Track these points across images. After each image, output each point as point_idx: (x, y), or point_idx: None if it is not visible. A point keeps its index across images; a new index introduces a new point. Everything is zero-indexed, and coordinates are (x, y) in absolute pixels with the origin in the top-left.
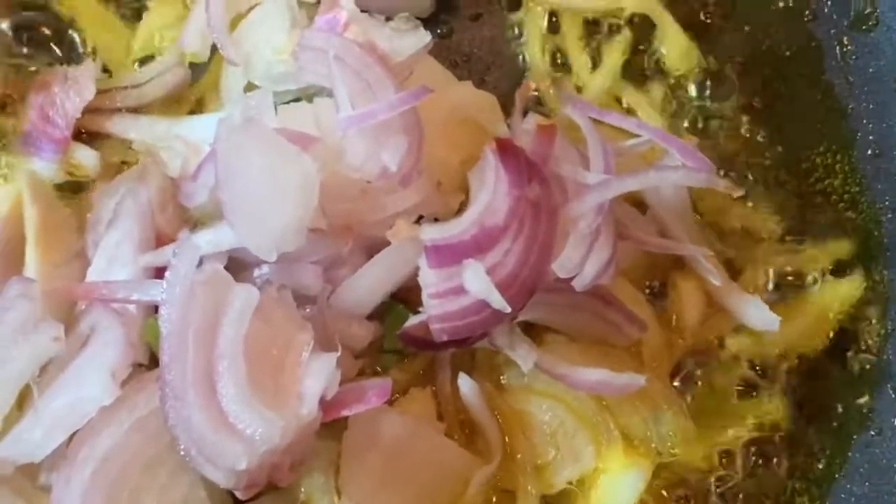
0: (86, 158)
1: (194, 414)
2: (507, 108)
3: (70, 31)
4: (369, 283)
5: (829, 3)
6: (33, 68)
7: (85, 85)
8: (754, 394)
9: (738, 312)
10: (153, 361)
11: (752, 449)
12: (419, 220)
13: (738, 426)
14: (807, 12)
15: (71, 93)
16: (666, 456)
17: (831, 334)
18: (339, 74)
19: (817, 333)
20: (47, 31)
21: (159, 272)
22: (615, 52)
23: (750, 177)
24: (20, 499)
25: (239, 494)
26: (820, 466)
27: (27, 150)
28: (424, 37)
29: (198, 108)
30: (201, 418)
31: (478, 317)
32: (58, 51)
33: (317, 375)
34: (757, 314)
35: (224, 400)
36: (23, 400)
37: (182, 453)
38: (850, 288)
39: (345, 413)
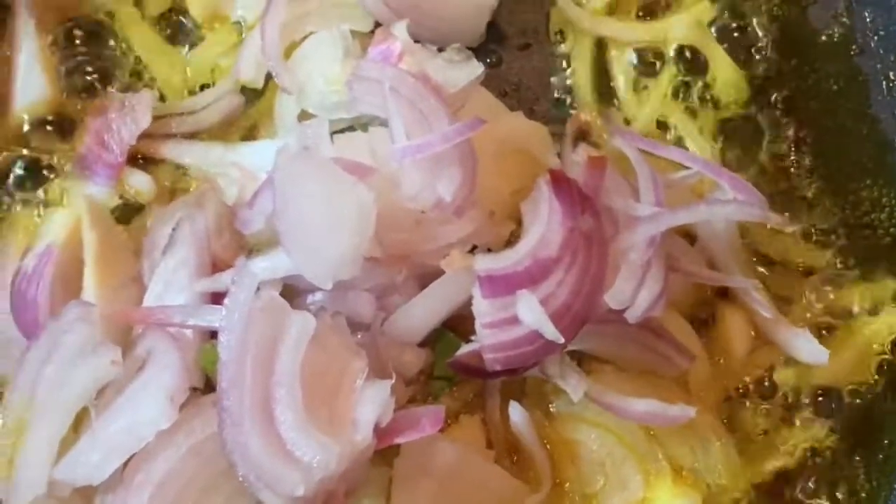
0: (140, 184)
1: (252, 440)
2: (554, 138)
3: (126, 58)
4: (422, 311)
5: (875, 37)
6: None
7: (141, 113)
8: (797, 422)
9: (787, 345)
10: (208, 386)
11: (798, 480)
12: (472, 249)
13: (781, 455)
14: (854, 47)
15: (127, 119)
16: (714, 487)
17: (877, 367)
18: (395, 105)
19: (864, 366)
20: (104, 59)
21: (215, 298)
22: (663, 83)
23: (795, 209)
24: None
25: None
26: (863, 496)
27: (82, 174)
28: (477, 68)
29: (251, 134)
30: (259, 445)
31: (531, 347)
32: (115, 78)
33: (371, 402)
34: (806, 347)
35: (282, 427)
36: (79, 423)
37: (241, 479)
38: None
39: (399, 440)
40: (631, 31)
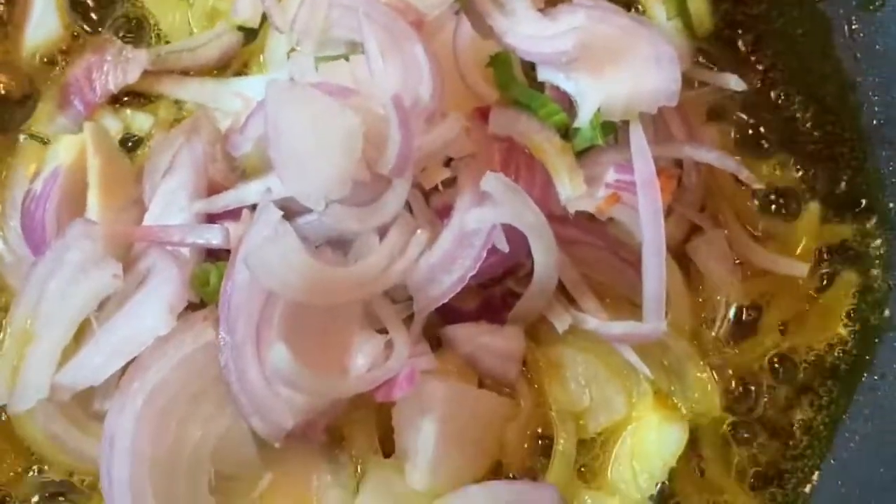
0: (111, 125)
1: (251, 368)
2: None
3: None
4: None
5: None
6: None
7: (133, 68)
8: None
9: (762, 262)
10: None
11: (764, 391)
12: (449, 162)
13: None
14: None
15: (118, 69)
16: (689, 412)
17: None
18: (368, 29)
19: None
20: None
21: (210, 218)
22: None
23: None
24: (74, 427)
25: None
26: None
27: (60, 101)
28: None
29: (242, 72)
30: (256, 373)
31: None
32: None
33: (364, 356)
34: (785, 263)
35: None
36: (80, 334)
37: (233, 400)
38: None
39: (379, 398)
40: None
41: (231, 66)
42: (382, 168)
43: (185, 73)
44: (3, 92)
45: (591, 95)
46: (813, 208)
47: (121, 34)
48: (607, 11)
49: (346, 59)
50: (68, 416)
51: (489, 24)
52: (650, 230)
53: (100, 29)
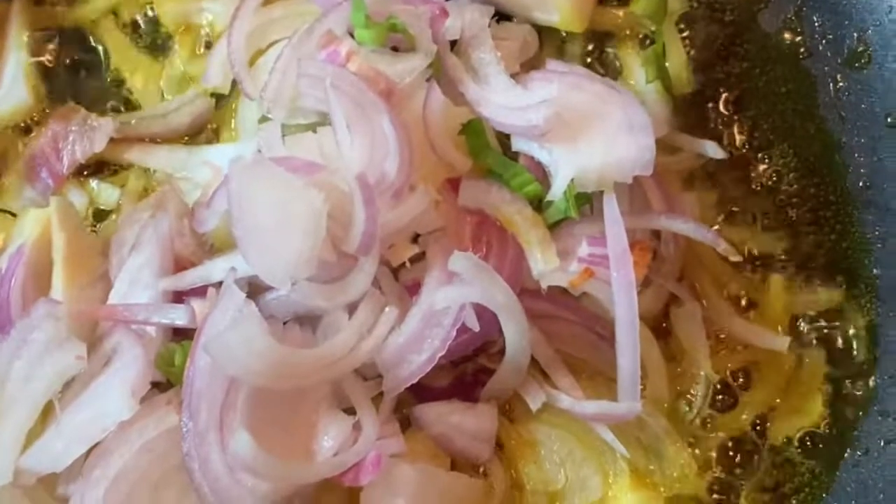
0: (77, 198)
1: (213, 455)
2: None
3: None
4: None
5: (823, 41)
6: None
7: (99, 137)
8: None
9: (743, 335)
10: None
11: (742, 471)
12: (416, 238)
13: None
14: (802, 50)
15: (84, 138)
16: (668, 490)
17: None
18: (335, 100)
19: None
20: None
21: (177, 296)
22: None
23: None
24: None
25: None
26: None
27: (27, 174)
28: (423, 61)
29: (214, 138)
30: (219, 460)
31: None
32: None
33: (331, 438)
34: (765, 336)
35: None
36: (45, 416)
37: (195, 489)
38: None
39: (347, 483)
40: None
41: (202, 132)
42: (348, 247)
43: (154, 140)
44: None
45: (565, 166)
46: (776, 281)
47: (89, 102)
48: (581, 77)
49: (314, 130)
50: (34, 500)
51: (461, 91)
52: (623, 307)
53: (71, 98)
